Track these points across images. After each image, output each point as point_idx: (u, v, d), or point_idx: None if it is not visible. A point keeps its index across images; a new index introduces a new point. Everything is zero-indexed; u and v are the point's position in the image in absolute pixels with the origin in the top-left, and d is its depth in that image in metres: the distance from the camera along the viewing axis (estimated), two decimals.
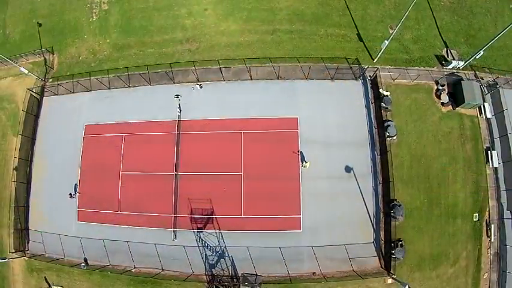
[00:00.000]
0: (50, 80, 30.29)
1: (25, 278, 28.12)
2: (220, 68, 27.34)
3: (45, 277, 27.57)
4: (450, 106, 26.85)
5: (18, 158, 28.55)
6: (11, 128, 30.30)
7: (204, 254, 24.65)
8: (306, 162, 24.81)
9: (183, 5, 29.63)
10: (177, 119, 26.69)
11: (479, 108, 26.76)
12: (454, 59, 27.53)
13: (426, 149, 25.93)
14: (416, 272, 24.36)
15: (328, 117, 25.88)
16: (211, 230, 24.80)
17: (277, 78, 26.80)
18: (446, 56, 28.04)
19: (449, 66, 27.37)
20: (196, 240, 24.86)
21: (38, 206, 28.05)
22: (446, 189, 25.42)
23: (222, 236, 24.64)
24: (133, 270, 25.31)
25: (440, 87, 27.02)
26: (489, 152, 25.89)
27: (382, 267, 24.28)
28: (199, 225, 24.94)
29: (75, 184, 27.26)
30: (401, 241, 24.20)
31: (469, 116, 26.76)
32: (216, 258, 24.47)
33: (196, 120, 26.57)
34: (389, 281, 24.10)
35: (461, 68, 27.47)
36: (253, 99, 26.52)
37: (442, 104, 26.89)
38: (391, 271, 23.45)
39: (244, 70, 27.13)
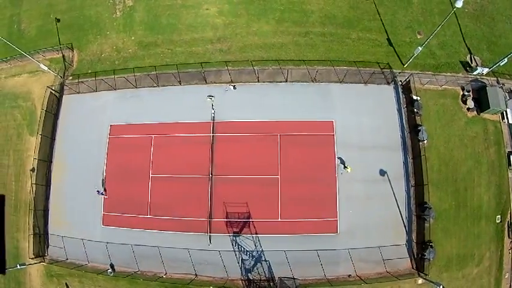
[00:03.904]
0: (70, 78, 28.98)
1: (43, 284, 27.02)
2: (254, 69, 26.95)
3: (66, 283, 26.55)
4: (475, 111, 27.62)
5: (38, 159, 27.19)
6: (27, 127, 28.88)
7: (240, 258, 24.35)
8: (347, 167, 25.01)
9: (212, 3, 28.96)
10: (211, 120, 26.13)
11: (502, 113, 27.68)
12: (477, 65, 28.31)
13: (453, 153, 26.56)
14: (444, 272, 24.98)
15: (362, 121, 26.04)
16: (247, 234, 24.51)
17: (312, 81, 26.72)
18: (470, 62, 28.79)
19: (475, 73, 28.12)
20: (232, 244, 24.52)
21: (59, 210, 26.89)
22: (471, 192, 26.12)
23: (258, 240, 24.40)
24: (164, 276, 24.68)
25: (466, 93, 27.75)
26: (511, 156, 26.82)
27: (413, 268, 24.79)
28: (235, 230, 24.60)
29: (102, 180, 26.25)
30: (431, 242, 24.78)
31: (492, 121, 27.55)
32: (252, 262, 24.23)
33: (230, 121, 26.09)
34: (420, 281, 24.66)
35: (484, 74, 28.30)
36: (288, 101, 26.30)
37: (468, 109, 27.63)
38: (425, 272, 23.95)
39: (278, 72, 26.87)
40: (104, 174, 26.46)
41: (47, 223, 26.84)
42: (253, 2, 28.82)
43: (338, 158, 25.32)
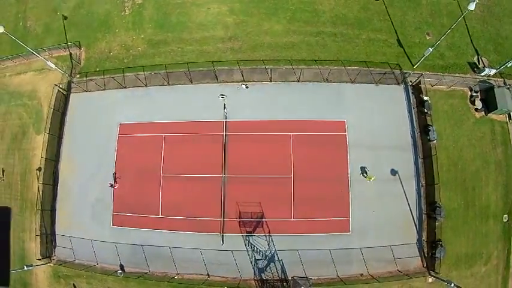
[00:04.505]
0: (78, 76, 28.55)
1: (50, 285, 26.62)
2: (266, 68, 26.89)
3: (73, 284, 26.15)
4: (483, 112, 27.95)
5: (45, 158, 26.70)
6: (32, 125, 28.36)
7: (253, 258, 24.25)
8: (368, 176, 25.00)
9: (223, 2, 28.80)
10: (223, 120, 25.97)
11: (509, 114, 28.05)
12: (485, 67, 28.68)
13: (462, 152, 26.83)
14: (453, 271, 25.18)
15: (373, 121, 26.16)
16: (260, 234, 24.43)
17: (324, 81, 26.75)
18: (477, 63, 29.15)
19: (482, 74, 28.44)
20: (245, 244, 24.42)
21: (67, 209, 26.52)
22: (479, 191, 26.41)
23: (271, 240, 24.34)
24: (176, 277, 24.44)
25: (474, 94, 28.07)
26: None
27: (424, 267, 24.98)
28: (248, 229, 24.50)
29: (113, 173, 26.01)
30: (441, 241, 25.01)
31: (499, 122, 27.88)
32: (265, 262, 24.18)
33: (243, 121, 26.01)
34: (430, 279, 24.87)
35: (492, 75, 28.66)
36: (301, 101, 26.33)
37: (476, 109, 27.95)
38: (436, 270, 24.15)
39: (290, 71, 26.85)
40: (114, 170, 26.19)
41: (54, 223, 26.45)
42: (265, 1, 28.79)
43: (360, 167, 25.28)
